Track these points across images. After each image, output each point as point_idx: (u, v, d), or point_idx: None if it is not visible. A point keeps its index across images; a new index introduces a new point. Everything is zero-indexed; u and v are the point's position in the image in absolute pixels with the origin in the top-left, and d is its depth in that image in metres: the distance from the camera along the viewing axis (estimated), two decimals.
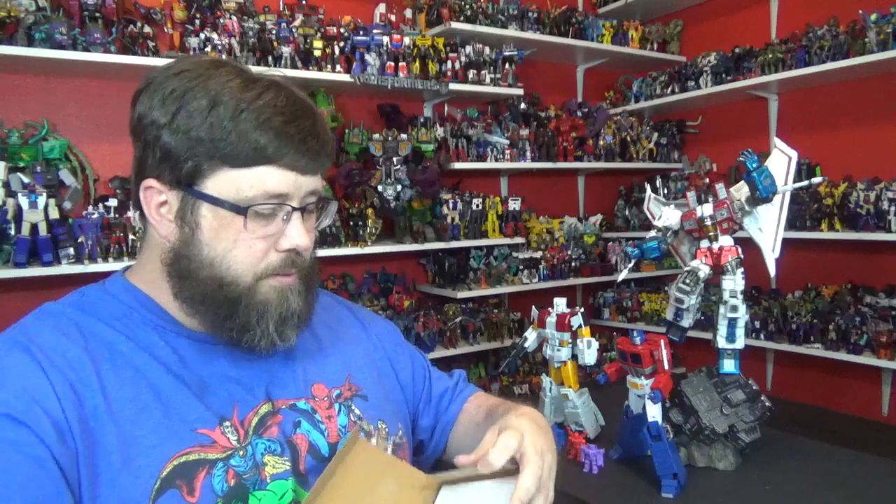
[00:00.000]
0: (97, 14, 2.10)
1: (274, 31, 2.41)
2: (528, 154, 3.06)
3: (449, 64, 2.81)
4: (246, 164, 0.75)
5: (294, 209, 0.79)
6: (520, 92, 3.04)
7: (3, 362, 0.70)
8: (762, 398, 1.41)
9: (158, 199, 0.79)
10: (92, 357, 0.74)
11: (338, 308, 1.06)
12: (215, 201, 0.76)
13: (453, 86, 2.78)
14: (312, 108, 0.82)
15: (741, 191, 1.42)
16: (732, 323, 1.39)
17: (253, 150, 0.74)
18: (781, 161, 1.42)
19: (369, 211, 2.60)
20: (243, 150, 0.74)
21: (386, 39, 2.61)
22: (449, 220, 2.82)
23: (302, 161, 0.78)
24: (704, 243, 1.44)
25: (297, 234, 0.79)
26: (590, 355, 1.48)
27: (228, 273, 0.77)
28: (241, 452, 0.77)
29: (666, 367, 1.34)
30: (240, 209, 0.75)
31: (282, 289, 0.81)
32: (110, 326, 0.78)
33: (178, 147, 0.75)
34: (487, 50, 2.92)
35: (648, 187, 1.92)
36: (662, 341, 1.36)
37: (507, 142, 2.98)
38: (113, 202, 2.10)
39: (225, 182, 0.76)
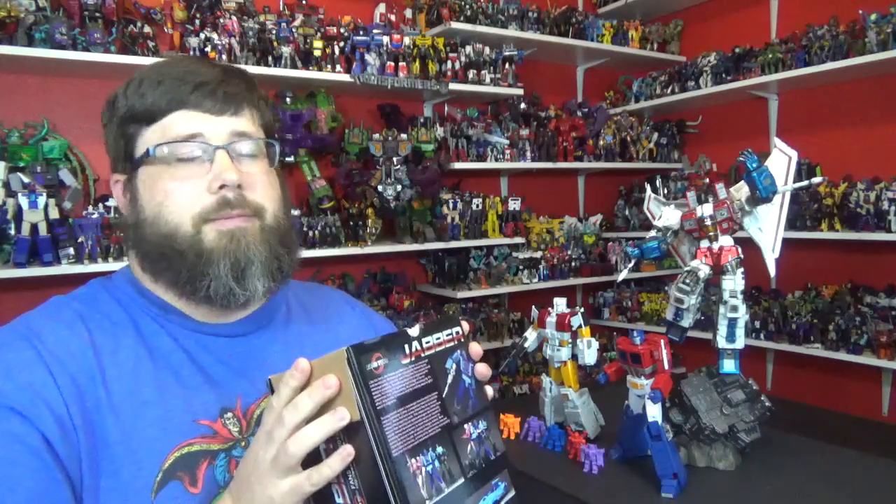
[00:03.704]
0: (97, 14, 2.10)
1: (274, 31, 2.41)
2: (528, 154, 3.06)
3: (449, 64, 2.80)
4: (156, 116, 0.79)
5: (216, 147, 0.79)
6: (520, 92, 3.04)
7: (8, 355, 0.71)
8: (762, 398, 1.41)
9: (122, 189, 0.84)
10: (95, 349, 0.74)
11: (338, 301, 1.06)
12: (141, 160, 0.80)
13: (453, 86, 2.78)
14: (222, 66, 0.85)
15: (741, 191, 1.42)
16: (732, 323, 1.38)
17: (154, 102, 0.79)
18: (781, 161, 1.41)
19: (369, 211, 2.60)
20: (149, 105, 0.79)
21: (386, 39, 2.61)
22: (449, 220, 2.82)
23: (208, 102, 0.80)
24: (704, 243, 1.43)
25: (222, 169, 0.78)
26: (590, 355, 1.48)
27: (168, 225, 0.78)
28: (242, 444, 0.78)
29: (666, 367, 1.34)
30: (147, 152, 0.79)
31: (230, 231, 0.79)
32: (115, 318, 0.80)
33: (115, 134, 0.82)
34: (487, 50, 2.92)
35: (648, 187, 1.92)
36: (662, 341, 1.36)
37: (507, 142, 2.98)
38: (113, 202, 2.09)
39: (145, 140, 0.80)
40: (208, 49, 2.27)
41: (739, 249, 1.40)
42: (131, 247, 0.83)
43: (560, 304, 1.55)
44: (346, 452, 0.60)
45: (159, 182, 0.78)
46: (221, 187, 0.78)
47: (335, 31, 2.55)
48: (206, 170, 0.79)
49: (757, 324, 2.83)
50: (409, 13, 2.96)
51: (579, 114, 3.38)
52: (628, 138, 3.50)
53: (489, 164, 2.95)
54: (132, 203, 0.81)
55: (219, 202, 0.79)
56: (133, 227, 0.81)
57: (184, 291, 0.80)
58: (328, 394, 0.60)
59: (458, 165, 2.82)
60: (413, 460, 0.62)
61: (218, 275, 0.78)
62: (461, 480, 0.66)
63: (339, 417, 0.60)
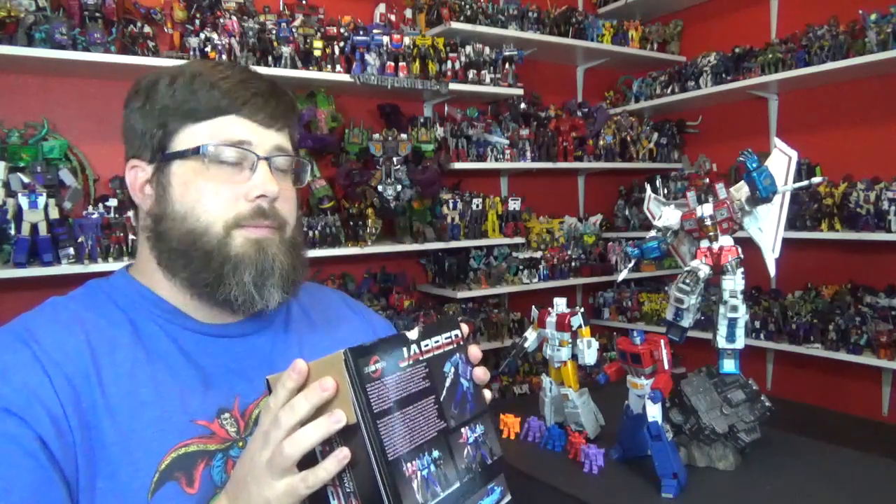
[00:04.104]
0: (97, 14, 2.10)
1: (274, 31, 2.41)
2: (528, 154, 3.06)
3: (449, 64, 2.80)
4: (206, 116, 0.80)
5: (260, 158, 0.81)
6: (520, 92, 3.04)
7: (4, 357, 0.71)
8: (762, 398, 1.41)
9: (142, 178, 0.83)
10: (92, 351, 0.74)
11: (337, 302, 1.06)
12: (181, 154, 0.79)
13: (453, 86, 2.78)
14: (270, 80, 0.86)
15: (741, 191, 1.42)
16: (732, 323, 1.38)
17: (208, 102, 0.79)
18: (781, 161, 1.41)
19: (369, 211, 2.60)
20: (201, 105, 0.79)
21: (386, 39, 2.61)
22: (449, 220, 2.82)
23: (260, 115, 0.81)
24: (704, 243, 1.43)
25: (264, 181, 0.80)
26: (590, 355, 1.48)
27: (199, 224, 0.78)
28: (240, 444, 0.78)
29: (666, 367, 1.34)
30: (197, 150, 0.78)
31: (257, 240, 0.80)
32: (112, 320, 0.79)
33: (150, 121, 0.81)
34: (487, 50, 2.92)
35: (648, 187, 1.92)
36: (662, 341, 1.36)
37: (507, 142, 2.98)
38: (113, 202, 2.10)
39: (189, 136, 0.80)
40: (208, 49, 2.27)
41: (739, 249, 1.40)
42: (147, 239, 0.82)
43: (560, 304, 1.55)
44: (341, 455, 0.60)
45: (197, 180, 0.79)
46: (259, 197, 0.80)
47: (335, 31, 2.55)
48: (245, 177, 0.80)
49: (757, 324, 2.83)
50: (409, 13, 2.96)
51: (579, 114, 3.38)
52: (628, 138, 3.50)
53: (489, 164, 2.95)
54: (158, 195, 0.81)
55: (254, 211, 0.80)
56: (154, 219, 0.81)
57: (201, 292, 0.80)
58: (325, 396, 0.60)
59: (458, 165, 2.82)
60: (409, 464, 0.62)
61: (241, 282, 0.79)
62: (457, 485, 0.66)
63: (335, 420, 0.60)
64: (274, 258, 0.81)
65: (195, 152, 0.78)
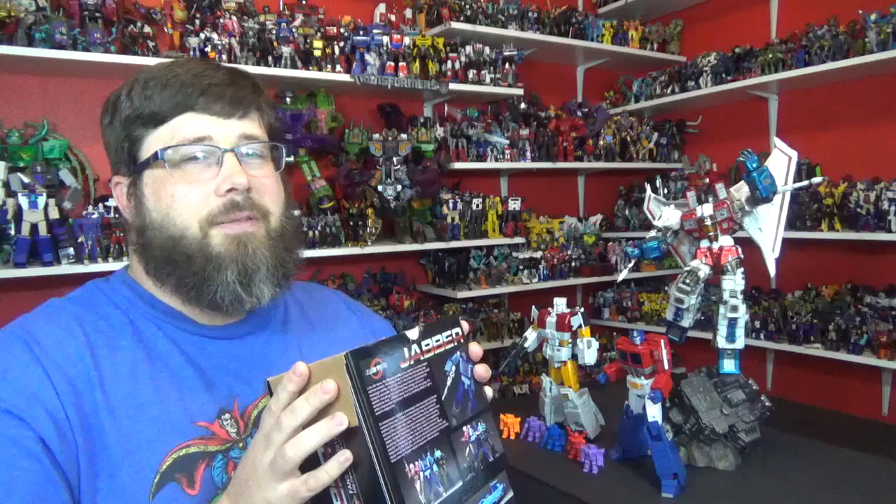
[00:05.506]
0: (97, 14, 2.10)
1: (274, 31, 2.41)
2: (528, 154, 3.06)
3: (449, 64, 2.80)
4: (164, 119, 0.78)
5: (224, 150, 0.79)
6: (520, 92, 3.04)
7: (5, 358, 0.71)
8: (762, 398, 1.41)
9: (125, 192, 0.83)
10: (92, 352, 0.74)
11: (336, 303, 1.06)
12: (146, 163, 0.79)
13: (453, 86, 2.78)
14: (227, 67, 0.84)
15: (741, 191, 1.42)
16: (732, 323, 1.38)
17: (163, 104, 0.78)
18: (781, 161, 1.41)
19: (369, 211, 2.60)
20: (156, 108, 0.78)
21: (386, 39, 2.61)
22: (449, 220, 2.82)
23: (217, 105, 0.79)
24: (704, 243, 1.43)
25: (232, 172, 0.78)
26: (590, 355, 1.48)
27: (175, 228, 0.77)
28: (240, 445, 0.78)
29: (666, 367, 1.34)
30: (156, 155, 0.77)
31: (237, 237, 0.79)
32: (112, 321, 0.79)
33: (118, 136, 0.81)
34: (487, 50, 2.92)
35: (648, 187, 1.92)
36: (662, 341, 1.36)
37: (507, 142, 2.98)
38: (113, 202, 2.09)
39: (152, 143, 0.79)
40: (208, 49, 2.27)
41: (739, 249, 1.40)
42: (135, 251, 0.82)
43: (560, 304, 1.55)
44: (343, 458, 0.60)
45: (166, 186, 0.78)
46: (230, 190, 0.78)
47: (335, 31, 2.55)
48: (213, 173, 0.78)
49: (757, 324, 2.83)
50: (409, 13, 2.96)
51: (579, 114, 3.37)
52: (628, 138, 3.50)
53: (489, 164, 2.95)
54: (137, 207, 0.80)
55: (227, 205, 0.78)
56: (138, 231, 0.80)
57: (189, 297, 0.80)
58: (326, 399, 0.60)
59: (458, 165, 2.82)
60: (411, 465, 0.61)
61: (225, 281, 0.78)
62: (459, 484, 0.66)
63: (337, 423, 0.60)
64: (255, 252, 0.79)
65: (156, 158, 0.78)
